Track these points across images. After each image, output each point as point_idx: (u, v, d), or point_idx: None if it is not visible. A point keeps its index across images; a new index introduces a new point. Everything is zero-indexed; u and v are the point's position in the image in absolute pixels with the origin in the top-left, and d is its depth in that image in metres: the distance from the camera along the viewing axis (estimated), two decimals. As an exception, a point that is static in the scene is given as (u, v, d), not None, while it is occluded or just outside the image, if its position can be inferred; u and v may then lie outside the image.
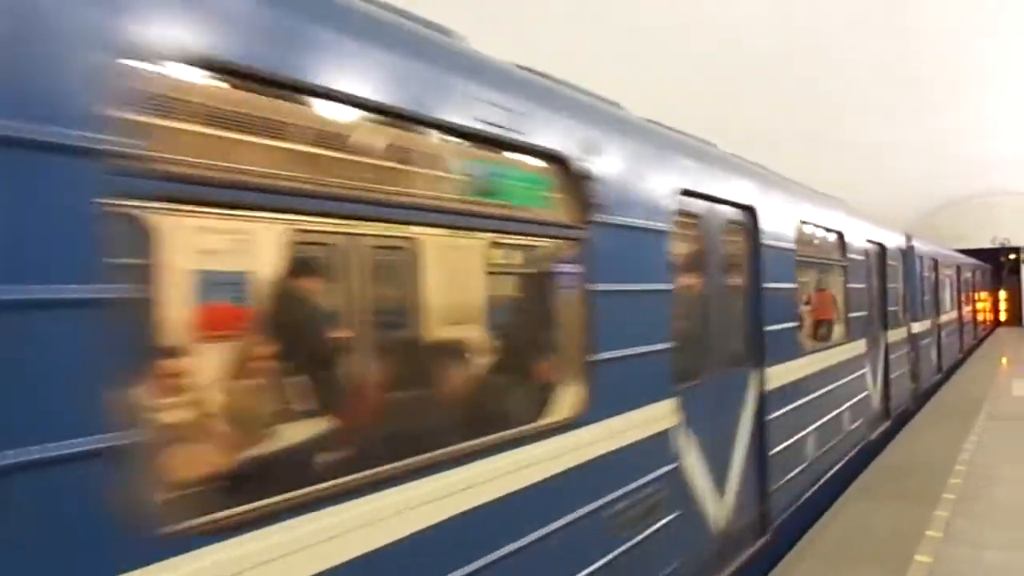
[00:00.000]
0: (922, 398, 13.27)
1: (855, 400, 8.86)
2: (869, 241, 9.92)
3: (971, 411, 12.09)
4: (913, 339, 12.77)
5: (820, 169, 15.43)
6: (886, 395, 10.73)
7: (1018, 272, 31.88)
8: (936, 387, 14.99)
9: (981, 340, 26.05)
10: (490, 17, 9.86)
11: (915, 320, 12.97)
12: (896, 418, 11.06)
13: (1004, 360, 19.83)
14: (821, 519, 6.88)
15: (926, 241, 15.28)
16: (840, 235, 8.64)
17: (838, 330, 8.80)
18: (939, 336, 16.27)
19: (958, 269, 20.75)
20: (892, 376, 10.90)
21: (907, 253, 12.63)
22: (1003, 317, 34.29)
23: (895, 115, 18.72)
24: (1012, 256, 33.01)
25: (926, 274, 14.47)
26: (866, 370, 9.52)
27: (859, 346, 9.19)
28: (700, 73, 13.69)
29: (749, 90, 14.89)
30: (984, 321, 29.28)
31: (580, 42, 11.18)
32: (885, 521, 6.76)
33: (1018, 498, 7.35)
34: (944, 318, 17.22)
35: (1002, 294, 34.17)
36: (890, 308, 11.00)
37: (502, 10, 10.16)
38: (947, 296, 18.25)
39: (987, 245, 32.19)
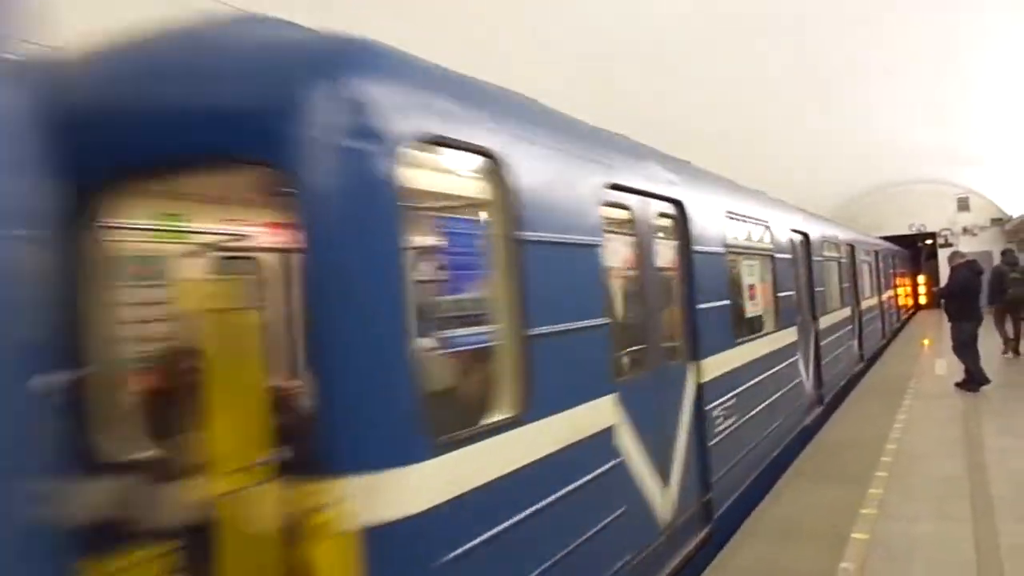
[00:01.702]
0: None
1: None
2: None
3: (898, 390, 12.53)
4: None
5: (737, 160, 15.75)
6: None
7: (935, 256, 33.20)
8: None
9: (902, 326, 27.01)
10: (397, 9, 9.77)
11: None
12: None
13: (926, 342, 20.62)
14: (762, 502, 7.02)
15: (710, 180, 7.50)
16: None
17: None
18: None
19: (806, 244, 11.13)
20: None
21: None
22: (923, 300, 35.58)
23: (810, 106, 19.22)
24: (928, 242, 34.39)
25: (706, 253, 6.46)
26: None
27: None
28: (615, 70, 13.79)
29: (654, 88, 15.06)
30: (905, 306, 30.45)
31: (477, 36, 11.13)
32: (822, 501, 6.92)
33: (944, 471, 7.62)
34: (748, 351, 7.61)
35: (921, 278, 35.48)
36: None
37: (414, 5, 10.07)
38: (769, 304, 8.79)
39: (905, 232, 33.52)
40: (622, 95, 14.09)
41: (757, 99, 17.42)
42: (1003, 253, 16.13)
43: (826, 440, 9.53)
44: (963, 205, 33.51)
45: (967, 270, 12.34)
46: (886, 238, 28.46)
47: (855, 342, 15.48)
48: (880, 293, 21.20)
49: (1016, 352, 15.90)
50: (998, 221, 32.79)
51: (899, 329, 25.57)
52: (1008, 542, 5.56)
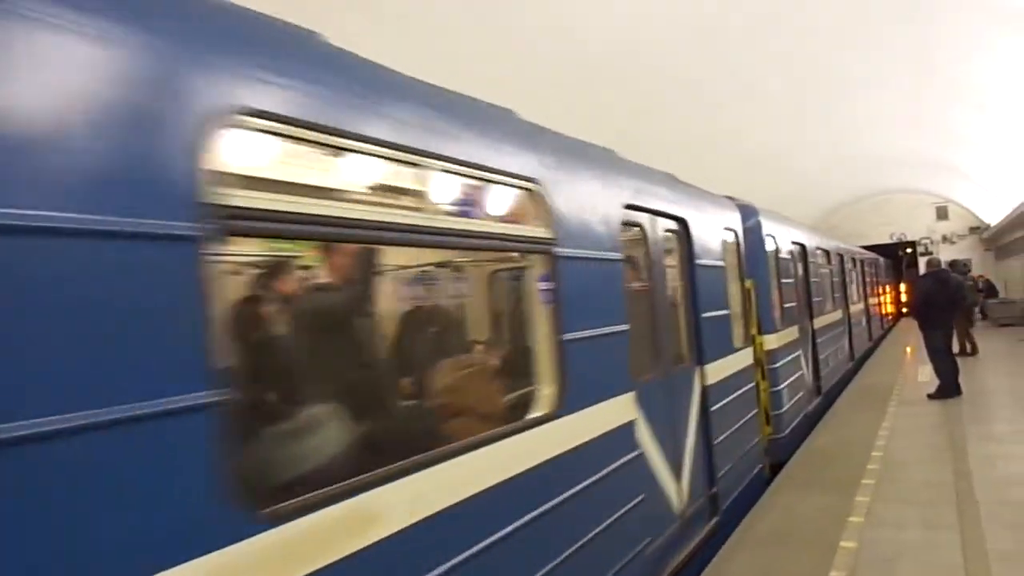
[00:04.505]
0: None
1: None
2: None
3: (882, 398, 12.62)
4: None
5: (721, 171, 15.88)
6: None
7: (916, 265, 33.56)
8: None
9: (886, 333, 27.16)
10: (375, 19, 9.78)
11: None
12: None
13: (908, 349, 20.78)
14: (752, 509, 7.04)
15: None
16: None
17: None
18: None
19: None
20: None
21: None
22: (905, 309, 35.59)
23: (793, 118, 19.41)
24: (908, 250, 34.75)
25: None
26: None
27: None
28: (589, 81, 13.83)
29: (641, 98, 15.14)
30: (888, 314, 30.64)
31: (460, 48, 11.15)
32: (810, 509, 6.95)
33: (931, 477, 7.67)
34: None
35: (903, 286, 35.69)
36: None
37: (385, 12, 10.07)
38: None
39: (887, 240, 33.91)
40: (604, 106, 14.17)
41: (741, 110, 17.57)
42: (952, 264, 16.09)
43: (813, 448, 9.58)
44: (942, 214, 34.00)
45: (931, 279, 12.41)
46: (869, 247, 28.74)
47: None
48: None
49: (974, 352, 17.23)
50: (976, 229, 33.27)
51: (883, 337, 25.50)
52: (995, 548, 5.60)
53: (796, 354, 10.65)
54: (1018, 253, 27.40)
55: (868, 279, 23.70)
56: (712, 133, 18.08)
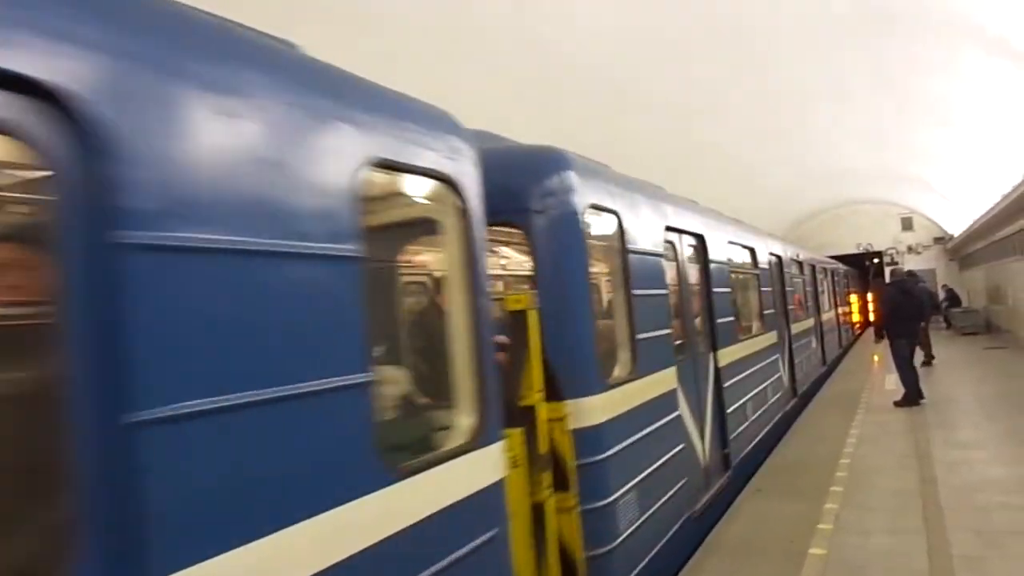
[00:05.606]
0: None
1: None
2: None
3: (850, 406, 12.81)
4: None
5: (690, 186, 16.01)
6: None
7: (882, 275, 34.08)
8: None
9: (846, 349, 26.45)
10: (348, 32, 9.76)
11: None
12: None
13: (876, 357, 21.07)
14: (722, 519, 7.10)
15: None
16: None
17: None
18: None
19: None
20: None
21: None
22: (872, 318, 35.94)
23: (761, 131, 19.67)
24: (875, 260, 35.32)
25: None
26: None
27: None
28: (559, 96, 13.91)
29: (614, 107, 15.25)
30: (852, 325, 30.97)
31: (432, 64, 11.17)
32: (780, 518, 7.02)
33: (897, 484, 7.80)
34: None
35: (869, 296, 36.17)
36: None
37: (361, 29, 10.05)
38: None
39: (853, 250, 34.48)
40: (572, 118, 14.24)
41: (712, 125, 17.78)
42: (910, 274, 15.94)
43: (782, 457, 9.68)
44: (907, 225, 34.65)
45: (895, 289, 12.67)
46: (836, 257, 29.01)
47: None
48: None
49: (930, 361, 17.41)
50: (940, 240, 33.95)
51: (843, 355, 23.17)
52: (959, 552, 5.71)
53: (669, 417, 6.24)
54: (980, 263, 27.99)
55: (824, 288, 19.77)
56: (684, 147, 18.25)
